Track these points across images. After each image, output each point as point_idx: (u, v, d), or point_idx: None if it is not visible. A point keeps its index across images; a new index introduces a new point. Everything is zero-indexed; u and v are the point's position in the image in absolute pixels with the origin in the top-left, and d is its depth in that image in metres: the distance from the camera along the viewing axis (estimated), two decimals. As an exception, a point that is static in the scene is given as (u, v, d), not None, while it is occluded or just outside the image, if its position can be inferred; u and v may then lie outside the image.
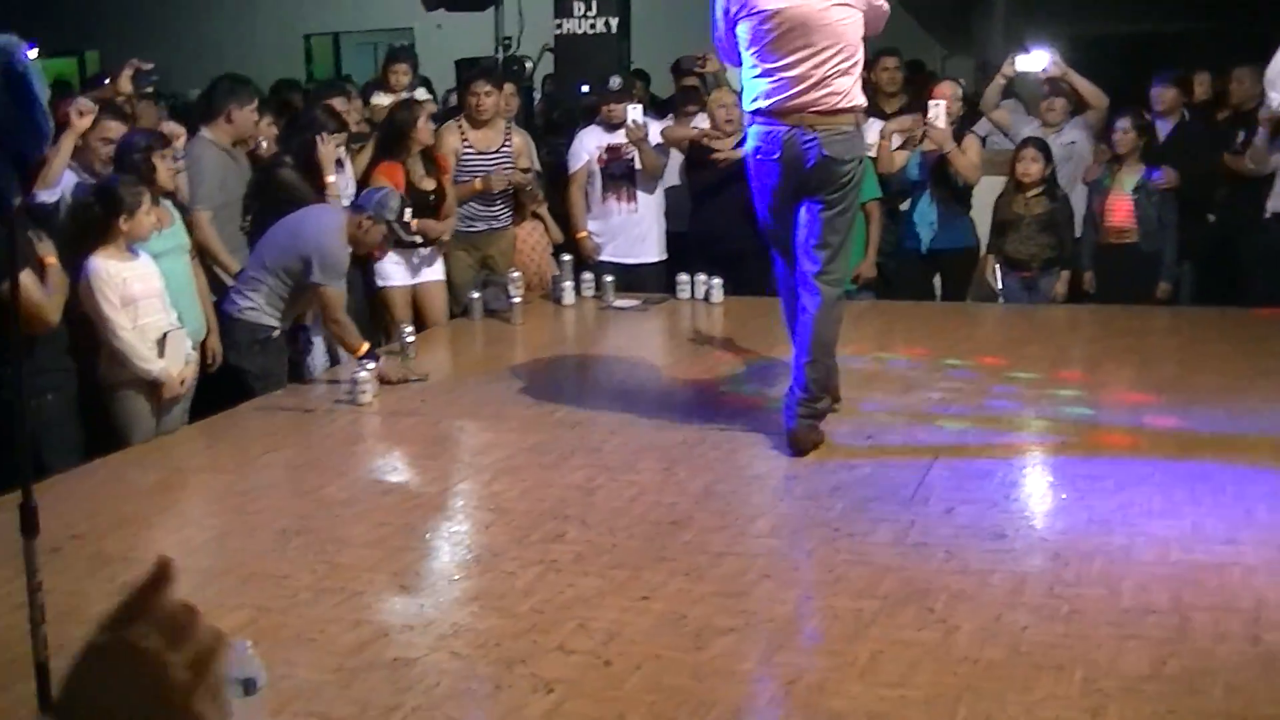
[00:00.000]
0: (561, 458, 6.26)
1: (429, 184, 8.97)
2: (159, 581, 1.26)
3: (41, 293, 6.17)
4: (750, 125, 6.52)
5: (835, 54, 6.25)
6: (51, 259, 6.37)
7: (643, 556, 5.04)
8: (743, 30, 6.34)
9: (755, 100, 6.39)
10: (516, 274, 9.16)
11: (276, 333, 7.65)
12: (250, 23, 18.27)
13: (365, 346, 7.58)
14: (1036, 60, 9.77)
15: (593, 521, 5.42)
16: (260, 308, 7.54)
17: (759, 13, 6.25)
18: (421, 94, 10.71)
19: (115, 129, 7.33)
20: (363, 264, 8.52)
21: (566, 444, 6.48)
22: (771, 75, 6.30)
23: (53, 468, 6.22)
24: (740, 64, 6.47)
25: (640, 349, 8.61)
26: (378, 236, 7.67)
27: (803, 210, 6.39)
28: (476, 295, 9.23)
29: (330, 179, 8.31)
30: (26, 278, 6.18)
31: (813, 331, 6.35)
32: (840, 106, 6.31)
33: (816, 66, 6.25)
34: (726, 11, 6.37)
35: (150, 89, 8.58)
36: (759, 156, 6.43)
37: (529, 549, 5.14)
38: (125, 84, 8.29)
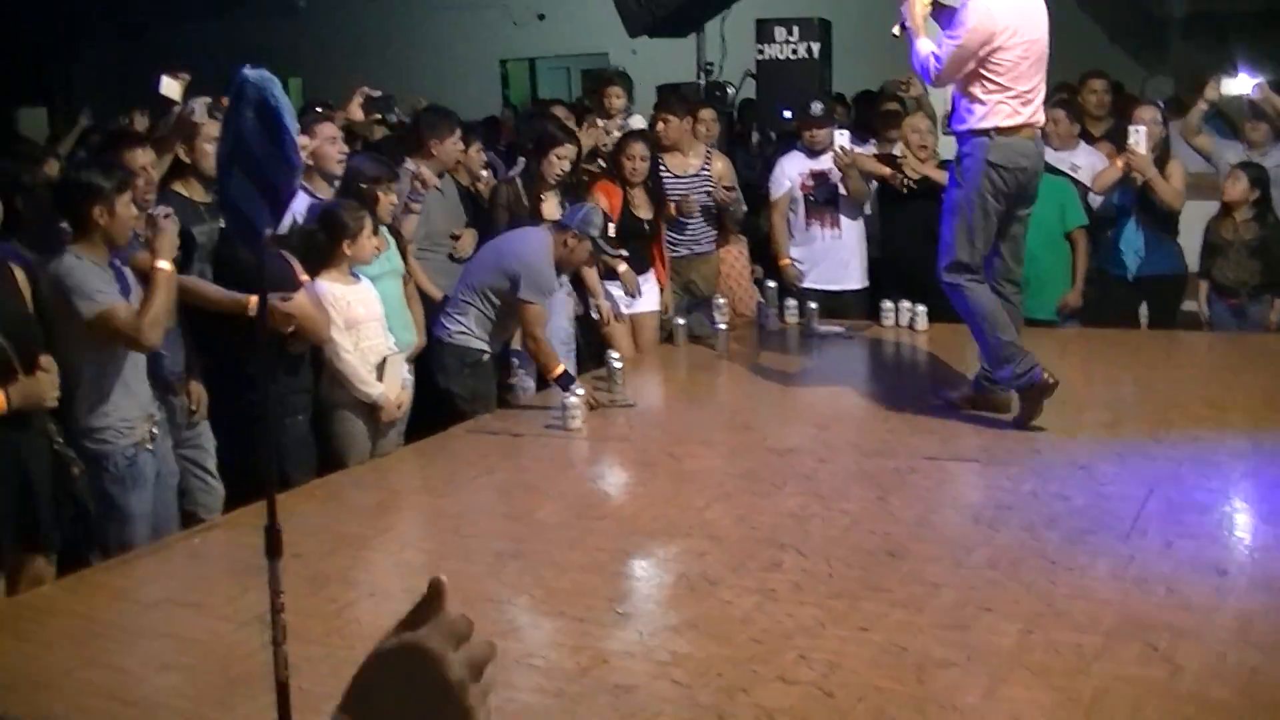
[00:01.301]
0: (774, 485, 6.25)
1: (645, 213, 9.04)
2: (437, 597, 1.41)
3: (316, 309, 6.37)
4: (989, 141, 7.02)
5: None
6: (305, 277, 6.56)
7: (860, 586, 5.00)
8: (1002, 56, 6.94)
9: (1003, 118, 7.01)
10: (722, 301, 9.17)
11: (486, 356, 7.77)
12: (448, 49, 18.54)
13: (561, 368, 7.67)
14: (1241, 84, 9.58)
15: (808, 550, 5.40)
16: (470, 331, 7.67)
17: (1024, 40, 6.97)
18: (637, 120, 10.78)
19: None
20: (576, 287, 8.67)
21: (778, 471, 6.47)
22: (1023, 96, 7.03)
23: (293, 486, 6.37)
24: (953, 86, 7.15)
25: (845, 376, 8.57)
26: (584, 254, 7.82)
27: (1012, 220, 7.23)
28: (681, 321, 9.27)
29: (548, 200, 8.44)
30: (301, 296, 6.39)
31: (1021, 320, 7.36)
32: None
33: (1043, 87, 7.17)
34: (988, 39, 6.90)
35: (380, 116, 8.72)
36: (1004, 169, 7.02)
37: (746, 577, 5.13)
38: (356, 111, 8.43)
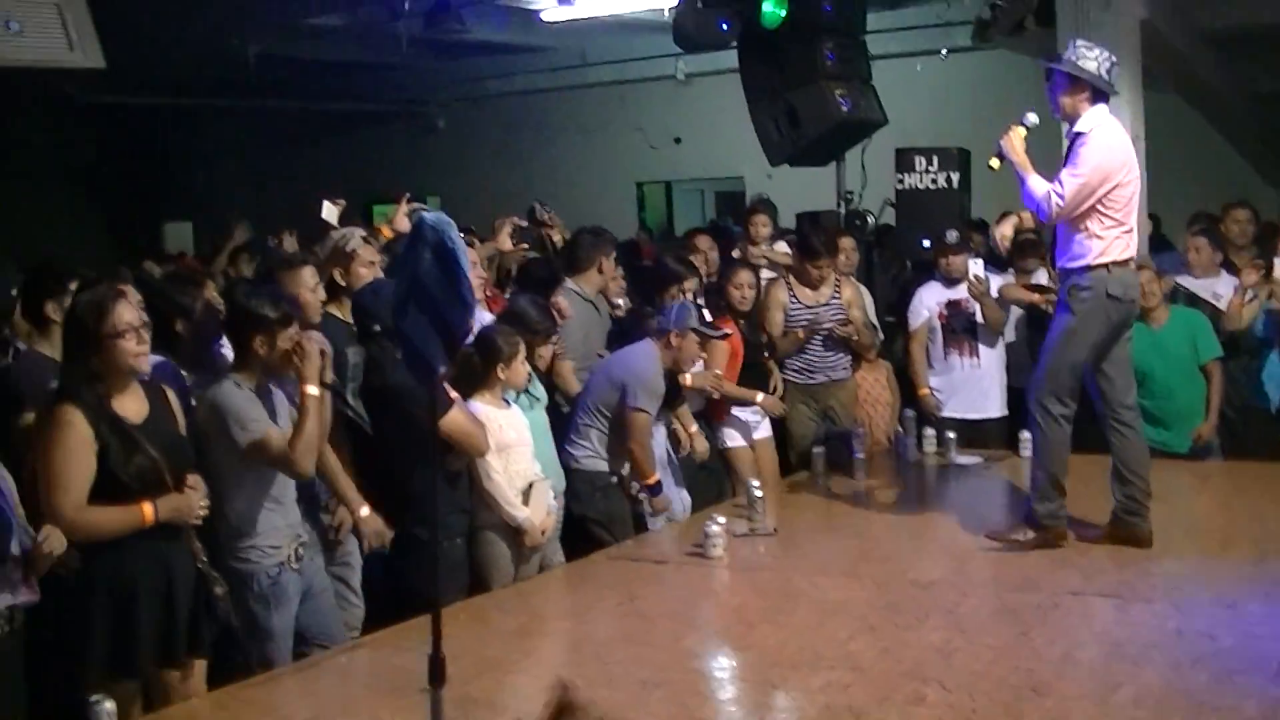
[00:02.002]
0: (917, 618, 6.23)
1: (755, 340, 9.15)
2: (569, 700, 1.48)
3: (472, 424, 6.48)
4: (1107, 274, 7.17)
5: None
6: (455, 395, 6.68)
7: (1004, 722, 4.99)
8: (1118, 193, 7.16)
9: (1118, 252, 7.20)
10: (861, 429, 9.19)
11: (615, 478, 7.86)
12: (585, 171, 18.80)
13: (656, 477, 7.90)
14: None
15: (952, 684, 5.37)
16: (595, 453, 7.82)
17: (1134, 177, 7.28)
18: (781, 247, 10.89)
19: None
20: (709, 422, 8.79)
21: (920, 604, 6.44)
22: (1131, 231, 7.28)
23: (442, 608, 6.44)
24: (1070, 221, 7.20)
25: (985, 507, 8.51)
26: (692, 348, 8.05)
27: (1115, 344, 7.38)
28: (819, 449, 9.29)
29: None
30: (456, 411, 6.52)
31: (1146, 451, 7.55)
32: None
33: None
34: (1108, 176, 7.11)
35: (526, 245, 8.86)
36: (1121, 301, 7.22)
37: (890, 710, 5.12)
38: (505, 241, 8.59)
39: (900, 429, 9.77)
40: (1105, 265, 7.15)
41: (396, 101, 20.52)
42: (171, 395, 5.73)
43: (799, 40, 10.64)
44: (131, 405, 5.39)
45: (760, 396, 9.18)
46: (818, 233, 9.91)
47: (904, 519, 8.28)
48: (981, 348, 9.92)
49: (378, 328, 6.81)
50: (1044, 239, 10.58)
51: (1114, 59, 7.36)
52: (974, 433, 9.80)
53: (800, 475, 9.35)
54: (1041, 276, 10.05)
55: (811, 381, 9.62)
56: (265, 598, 6.01)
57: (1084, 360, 7.26)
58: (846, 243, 10.53)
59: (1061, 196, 7.06)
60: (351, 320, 7.09)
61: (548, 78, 18.86)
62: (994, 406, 10.07)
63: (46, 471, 5.12)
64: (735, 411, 9.24)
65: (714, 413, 9.23)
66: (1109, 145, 7.19)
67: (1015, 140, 7.33)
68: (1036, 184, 7.21)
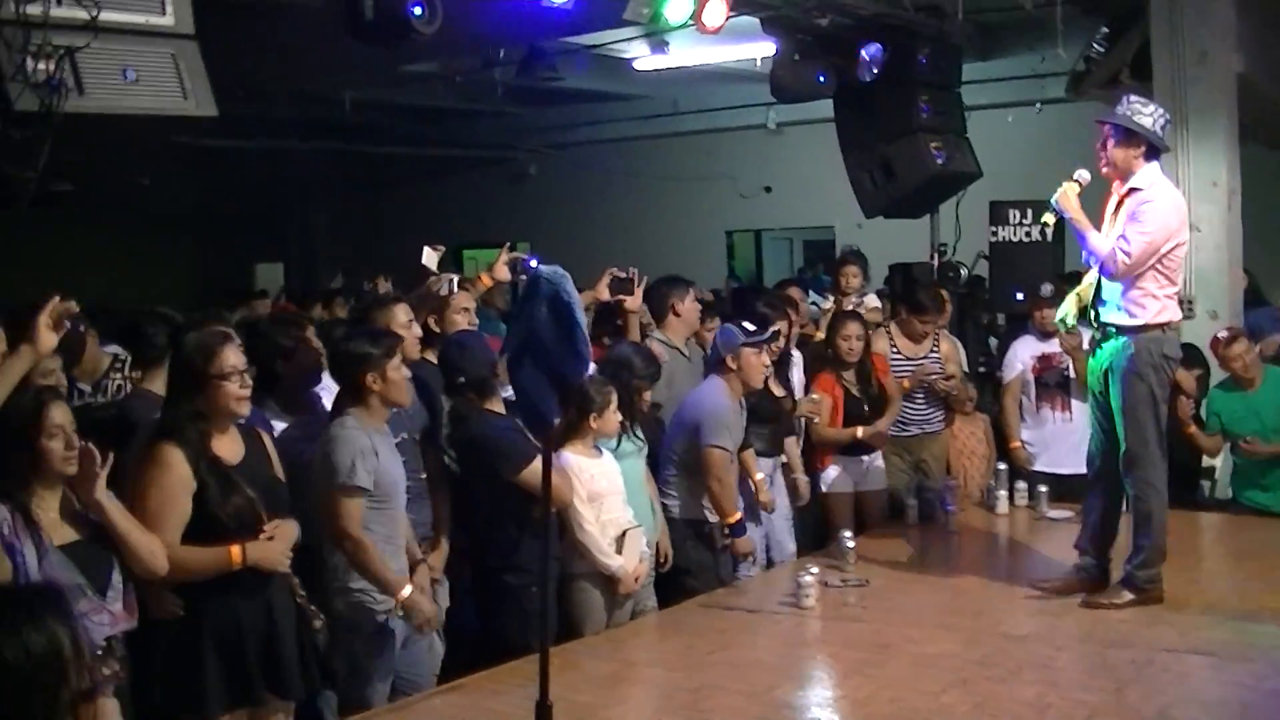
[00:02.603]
0: (1010, 672, 6.20)
1: (864, 393, 9.13)
2: None
3: (557, 475, 6.54)
4: (1163, 335, 7.22)
5: None
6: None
7: (1100, 782, 4.97)
8: (1176, 253, 7.19)
9: (1172, 312, 7.24)
10: (953, 482, 9.18)
11: (706, 526, 7.88)
12: (675, 220, 18.88)
13: (738, 516, 7.89)
14: None
15: (1047, 742, 5.37)
16: (685, 502, 7.85)
17: (1186, 239, 7.29)
18: (872, 300, 10.91)
19: None
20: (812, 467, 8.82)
21: (1013, 658, 6.42)
22: (1178, 292, 7.32)
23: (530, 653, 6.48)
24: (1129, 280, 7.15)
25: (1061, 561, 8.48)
26: (754, 363, 8.02)
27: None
28: (912, 501, 9.28)
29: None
30: (540, 462, 6.56)
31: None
32: None
33: None
34: (1170, 235, 7.12)
35: (624, 298, 8.88)
36: (1173, 361, 7.31)
37: (985, 766, 5.13)
38: (604, 291, 8.64)
39: (992, 482, 9.74)
40: (1161, 326, 7.17)
41: (488, 148, 20.69)
42: (267, 439, 5.83)
43: (894, 92, 10.68)
44: (229, 447, 5.49)
45: (860, 431, 9.18)
46: (926, 289, 9.90)
47: (996, 572, 8.24)
48: (1074, 402, 9.87)
49: (462, 379, 6.89)
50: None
51: (1168, 116, 7.34)
52: (1065, 487, 9.72)
53: (893, 525, 9.34)
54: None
55: (905, 434, 9.62)
56: (369, 640, 6.09)
57: (1161, 421, 7.26)
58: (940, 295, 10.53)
59: (1128, 254, 7.02)
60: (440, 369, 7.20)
61: (639, 126, 18.96)
62: (1068, 463, 10.02)
63: (142, 508, 5.19)
64: (839, 460, 9.27)
65: (816, 460, 9.25)
66: (1174, 205, 7.23)
67: (1070, 196, 7.32)
68: (1099, 241, 7.18)
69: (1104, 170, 7.32)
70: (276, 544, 5.48)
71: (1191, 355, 9.70)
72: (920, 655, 6.54)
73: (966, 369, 10.29)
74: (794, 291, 10.61)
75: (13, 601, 2.44)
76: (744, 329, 8.08)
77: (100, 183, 5.63)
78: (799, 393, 9.16)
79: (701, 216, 19.00)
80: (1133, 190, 7.18)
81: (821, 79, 10.26)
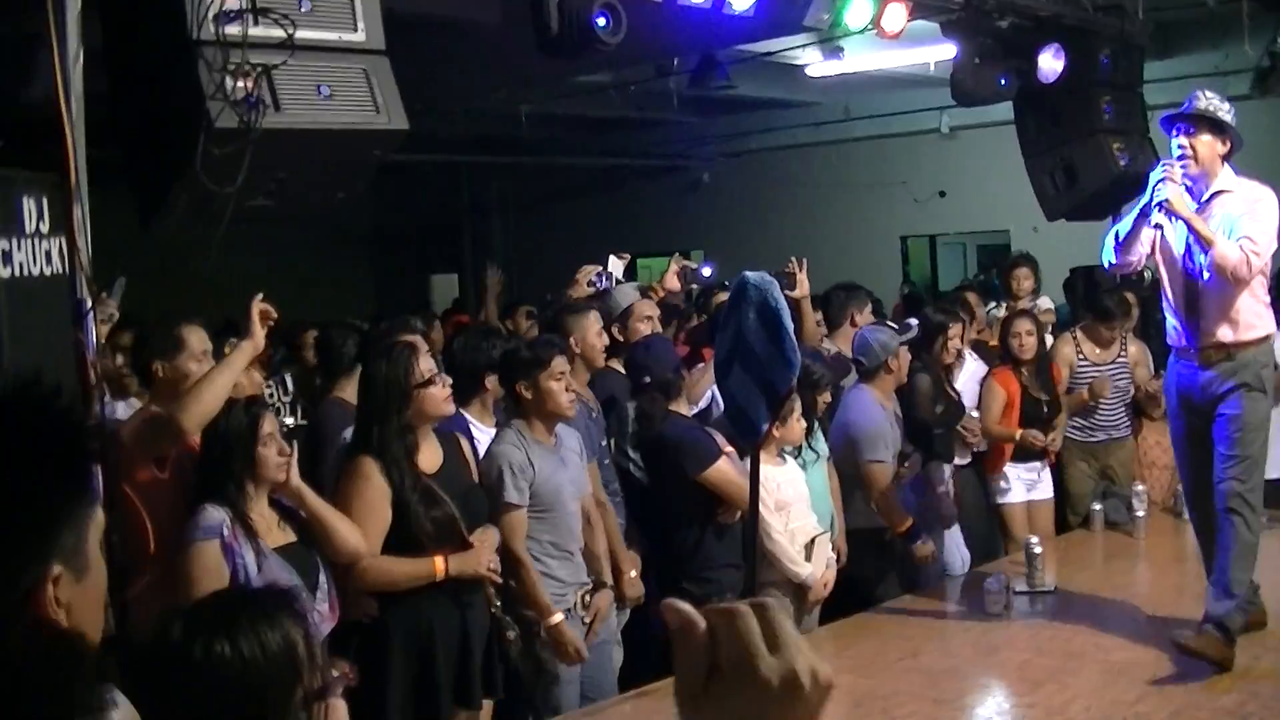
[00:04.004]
0: (1207, 681, 6.11)
1: (1042, 394, 9.02)
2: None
3: (741, 477, 6.57)
4: (1272, 346, 6.73)
5: None
6: (729, 449, 6.76)
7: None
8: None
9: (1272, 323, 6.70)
10: (1140, 487, 9.04)
11: (887, 533, 7.86)
12: (850, 226, 18.79)
13: (909, 522, 7.81)
14: None
15: (1248, 751, 5.29)
16: (859, 511, 7.83)
17: None
18: (1045, 303, 10.80)
19: None
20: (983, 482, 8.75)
21: (1208, 666, 6.29)
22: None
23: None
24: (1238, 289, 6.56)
25: (1268, 569, 8.29)
26: (905, 362, 7.98)
27: None
28: (1098, 507, 9.16)
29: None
30: (724, 464, 6.63)
31: None
32: None
33: None
34: (1274, 240, 6.53)
35: (695, 286, 8.85)
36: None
37: (1185, 775, 5.07)
38: (673, 281, 8.64)
39: (1179, 489, 9.56)
40: (1267, 336, 6.66)
41: (661, 157, 20.77)
42: (465, 444, 5.93)
43: (1076, 94, 10.53)
44: (428, 455, 5.59)
45: (1019, 433, 9.00)
46: (1110, 293, 9.76)
47: (1186, 579, 8.09)
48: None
49: (648, 379, 6.94)
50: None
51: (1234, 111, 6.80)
52: (1269, 491, 9.53)
53: (1079, 533, 9.23)
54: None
55: (1091, 440, 9.48)
56: (551, 644, 6.14)
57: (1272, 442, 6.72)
58: (1130, 297, 10.36)
59: (1257, 254, 6.42)
60: (626, 373, 7.25)
61: (811, 132, 18.90)
62: (1276, 467, 9.80)
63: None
64: (1012, 468, 9.14)
65: (988, 465, 9.15)
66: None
67: (1181, 198, 6.61)
68: (1227, 247, 6.44)
69: (1188, 173, 6.63)
70: (479, 554, 5.57)
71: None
72: (1112, 663, 6.48)
73: (1154, 373, 10.12)
74: (971, 296, 10.54)
75: (249, 602, 2.52)
76: (892, 328, 8.06)
77: (298, 200, 5.74)
78: (968, 400, 9.04)
79: (875, 222, 18.90)
80: (1220, 193, 6.63)
81: (1003, 82, 10.14)
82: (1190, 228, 6.51)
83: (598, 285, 7.74)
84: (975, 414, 8.90)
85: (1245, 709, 5.75)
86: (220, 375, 5.37)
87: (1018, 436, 8.98)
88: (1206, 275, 6.49)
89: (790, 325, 3.20)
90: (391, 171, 15.52)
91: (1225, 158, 6.69)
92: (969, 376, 9.16)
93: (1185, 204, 6.56)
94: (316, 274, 20.29)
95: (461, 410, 6.42)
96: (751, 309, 3.14)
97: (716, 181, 20.56)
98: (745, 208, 19.76)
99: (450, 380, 5.74)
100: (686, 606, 1.38)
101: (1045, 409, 9.09)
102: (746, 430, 3.23)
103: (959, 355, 8.94)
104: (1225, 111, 6.68)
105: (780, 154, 19.37)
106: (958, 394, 8.89)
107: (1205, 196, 6.65)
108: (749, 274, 3.21)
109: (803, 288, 8.63)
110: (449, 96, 14.40)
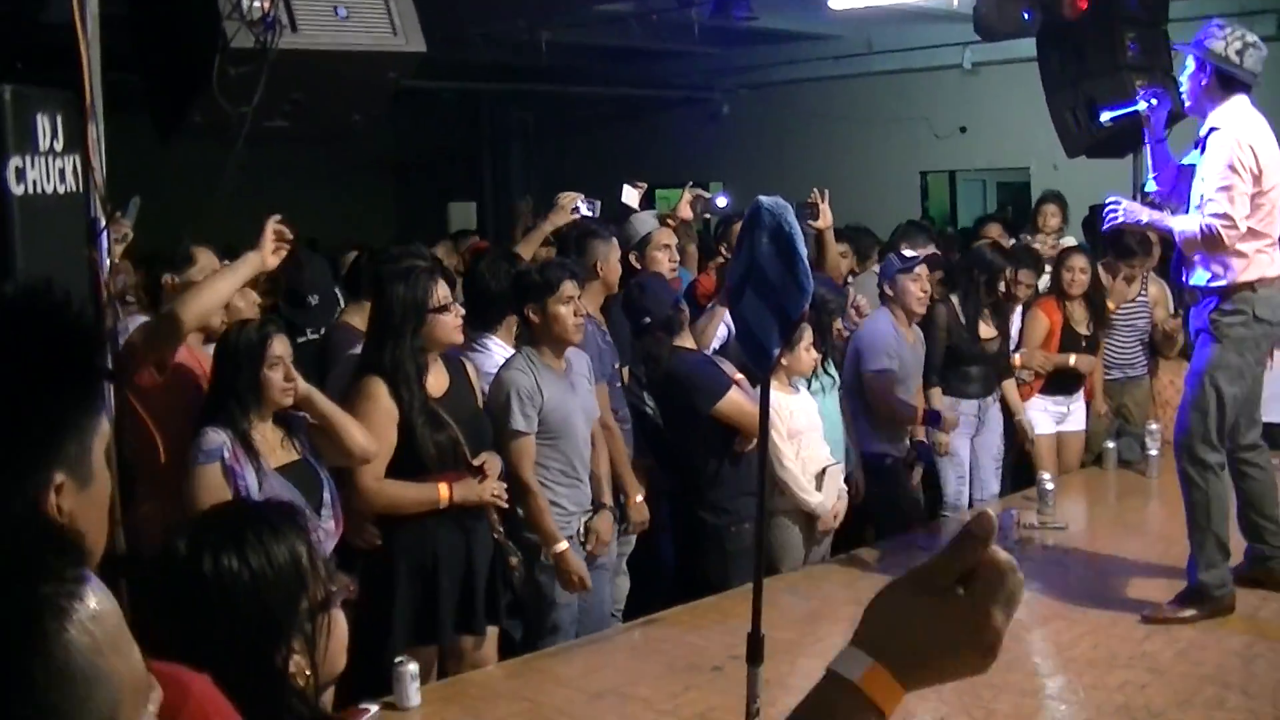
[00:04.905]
0: (1214, 621, 6.11)
1: (1084, 329, 8.99)
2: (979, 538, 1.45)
3: (753, 405, 6.54)
4: (1253, 295, 6.29)
5: None
6: (739, 375, 6.77)
7: (1311, 732, 4.90)
8: (1264, 199, 6.18)
9: (1266, 266, 6.28)
10: (1155, 426, 9.02)
11: (889, 459, 7.87)
12: (869, 160, 18.67)
13: (921, 412, 8.01)
14: None
15: (1254, 691, 5.31)
16: (869, 437, 7.88)
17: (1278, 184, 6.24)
18: (1069, 240, 10.76)
19: None
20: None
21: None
22: (1275, 243, 6.29)
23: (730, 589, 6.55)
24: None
25: None
26: (912, 287, 8.03)
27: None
28: (1111, 445, 9.15)
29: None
30: (736, 394, 6.65)
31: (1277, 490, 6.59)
32: None
33: None
34: (1255, 178, 6.15)
35: (708, 215, 8.82)
36: (1266, 326, 6.34)
37: (1190, 713, 5.08)
38: (685, 210, 8.61)
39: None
40: (1250, 284, 6.26)
41: (681, 88, 20.66)
42: (471, 369, 5.92)
43: (1101, 30, 10.44)
44: (434, 380, 5.60)
45: (1073, 358, 9.01)
46: (1132, 231, 9.73)
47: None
48: (1275, 350, 9.62)
49: (648, 319, 6.93)
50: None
51: (1250, 39, 6.35)
52: (1267, 435, 9.51)
53: (1092, 470, 9.22)
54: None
55: (1108, 378, 9.43)
56: (551, 569, 6.16)
57: (1241, 397, 6.39)
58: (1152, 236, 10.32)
59: (1231, 215, 6.08)
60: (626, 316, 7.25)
61: (832, 66, 18.77)
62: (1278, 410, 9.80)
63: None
64: (1040, 400, 9.14)
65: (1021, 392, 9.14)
66: (1238, 140, 6.16)
67: (1132, 210, 6.61)
68: (1184, 223, 6.32)
69: (1188, 110, 6.52)
70: (487, 481, 5.59)
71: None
72: (1121, 600, 6.49)
73: (1174, 312, 10.08)
74: (993, 229, 10.50)
75: (255, 516, 2.53)
76: (901, 256, 8.08)
77: (315, 122, 5.71)
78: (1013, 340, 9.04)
79: (895, 157, 18.77)
80: (1213, 130, 6.26)
81: (1027, 17, 10.05)
82: (1156, 224, 6.64)
83: (581, 212, 7.67)
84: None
85: (1252, 650, 5.76)
86: (222, 280, 5.44)
87: (1071, 361, 9.01)
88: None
89: (804, 251, 3.19)
90: (411, 98, 15.45)
91: (1226, 90, 6.29)
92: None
93: (1137, 211, 6.65)
94: (336, 200, 20.26)
95: (487, 334, 6.45)
96: (765, 234, 3.14)
97: (736, 113, 20.44)
98: (765, 140, 19.65)
99: (463, 310, 5.74)
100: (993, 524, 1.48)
101: (1084, 344, 9.06)
102: (759, 355, 3.23)
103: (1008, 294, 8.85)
104: (1217, 40, 6.32)
105: (801, 87, 19.25)
106: (1006, 331, 8.84)
107: (1200, 135, 6.40)
108: (763, 198, 3.20)
109: (825, 219, 8.61)
110: (469, 23, 14.33)
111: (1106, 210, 6.71)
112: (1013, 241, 10.72)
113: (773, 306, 3.14)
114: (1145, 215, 6.64)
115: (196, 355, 5.54)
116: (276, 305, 7.42)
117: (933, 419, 7.94)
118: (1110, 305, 9.25)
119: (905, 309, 8.04)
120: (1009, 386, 8.90)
